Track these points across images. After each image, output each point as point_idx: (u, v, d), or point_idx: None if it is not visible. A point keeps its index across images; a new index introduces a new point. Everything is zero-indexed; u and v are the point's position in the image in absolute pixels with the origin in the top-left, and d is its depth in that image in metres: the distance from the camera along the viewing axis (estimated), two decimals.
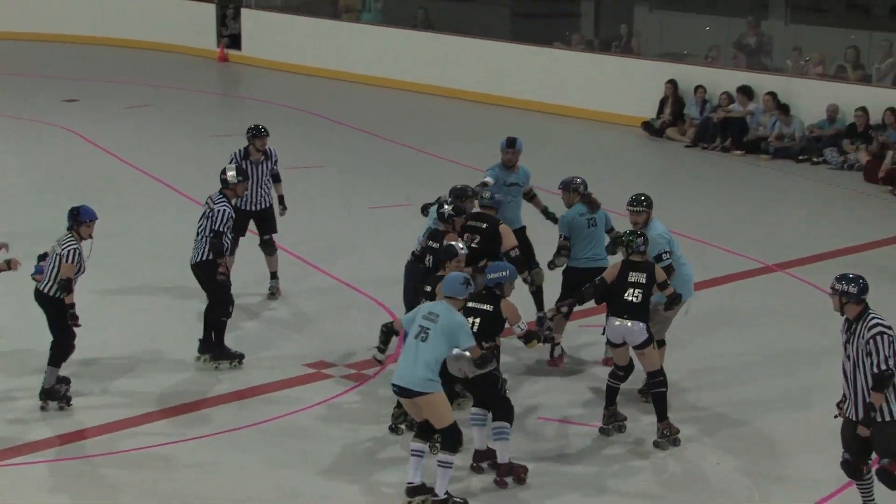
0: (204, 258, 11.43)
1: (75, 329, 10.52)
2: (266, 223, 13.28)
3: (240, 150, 13.37)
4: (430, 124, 23.39)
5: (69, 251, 10.41)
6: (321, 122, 22.92)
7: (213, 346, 11.54)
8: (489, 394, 9.45)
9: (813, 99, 21.31)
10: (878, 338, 8.43)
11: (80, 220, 10.56)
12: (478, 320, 9.65)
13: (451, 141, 21.88)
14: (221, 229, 11.44)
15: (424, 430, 9.17)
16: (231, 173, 11.48)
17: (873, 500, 8.75)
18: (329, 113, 23.58)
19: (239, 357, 11.60)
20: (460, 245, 10.28)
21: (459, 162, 19.78)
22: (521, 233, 12.50)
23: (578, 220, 11.92)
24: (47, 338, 10.71)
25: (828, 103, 20.82)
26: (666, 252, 11.02)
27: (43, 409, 10.58)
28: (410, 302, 11.16)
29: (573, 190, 12.04)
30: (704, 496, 9.68)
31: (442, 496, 8.98)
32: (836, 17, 24.59)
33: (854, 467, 8.66)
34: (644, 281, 10.26)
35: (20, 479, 9.62)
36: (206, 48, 28.87)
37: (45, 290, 10.56)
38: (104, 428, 10.34)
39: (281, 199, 13.54)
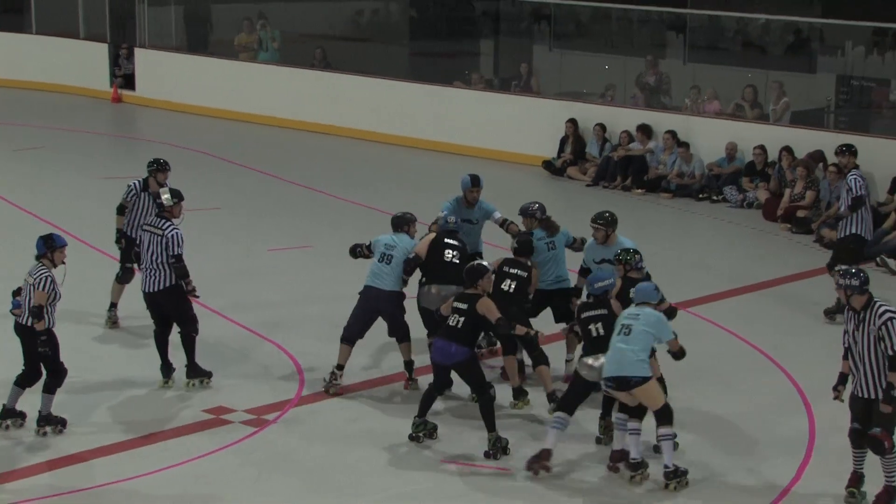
0: (167, 285, 11.84)
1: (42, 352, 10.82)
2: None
3: (138, 182, 13.56)
4: (329, 165, 23.39)
5: (41, 279, 10.77)
6: (218, 164, 22.84)
7: (198, 368, 12.03)
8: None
9: (712, 137, 21.65)
10: (889, 323, 9.55)
11: (54, 245, 10.98)
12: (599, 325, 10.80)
13: (350, 182, 21.91)
14: (180, 252, 11.92)
15: (633, 409, 10.33)
16: (166, 196, 11.87)
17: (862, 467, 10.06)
18: (226, 154, 23.52)
19: (209, 374, 12.09)
20: (485, 263, 11.47)
21: (360, 203, 19.83)
22: (475, 258, 13.03)
23: (538, 244, 12.67)
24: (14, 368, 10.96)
25: (726, 141, 21.10)
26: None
27: (43, 434, 10.88)
28: (431, 325, 12.02)
29: (530, 215, 12.85)
30: None
31: (672, 467, 10.04)
32: (733, 56, 25.09)
33: (860, 435, 9.81)
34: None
35: None
36: (99, 88, 28.64)
37: (25, 323, 10.87)
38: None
39: None
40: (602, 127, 22.48)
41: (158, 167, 13.46)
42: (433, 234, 12.64)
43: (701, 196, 20.85)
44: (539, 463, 10.49)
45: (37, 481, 10.28)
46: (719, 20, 25.42)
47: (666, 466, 10.09)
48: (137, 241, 12.72)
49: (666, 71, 24.20)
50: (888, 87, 22.46)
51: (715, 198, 20.70)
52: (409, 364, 12.57)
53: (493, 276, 11.41)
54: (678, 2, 25.64)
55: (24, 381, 11.10)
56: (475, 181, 13.53)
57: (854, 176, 15.73)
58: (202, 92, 27.59)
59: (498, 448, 11.03)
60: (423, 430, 11.18)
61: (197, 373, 11.98)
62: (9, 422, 11.00)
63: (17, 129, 25.17)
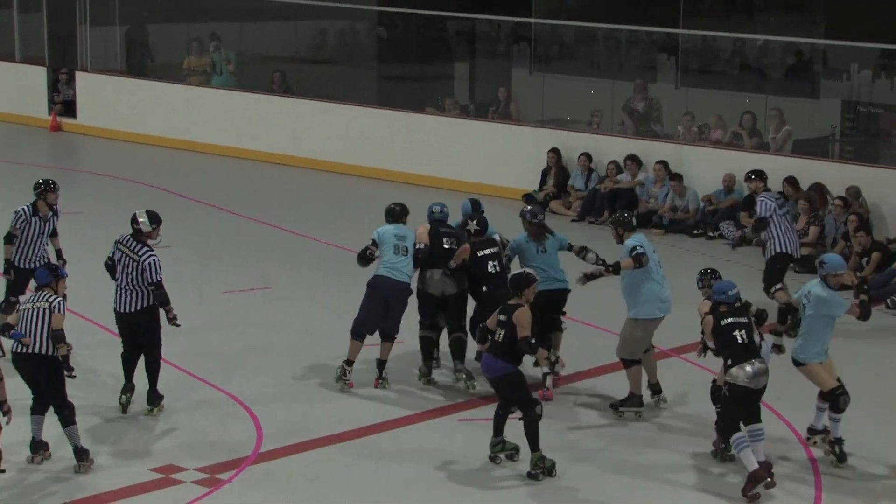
0: (143, 306, 12.48)
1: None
2: None
3: (27, 207, 14.16)
4: (288, 198, 23.40)
5: (58, 303, 11.55)
6: (167, 197, 22.73)
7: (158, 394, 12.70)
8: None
9: (707, 168, 21.82)
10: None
11: (58, 275, 11.83)
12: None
13: (311, 216, 21.90)
14: (159, 279, 12.56)
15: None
16: (143, 220, 12.53)
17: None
18: (175, 186, 23.46)
19: (162, 397, 12.77)
20: (531, 272, 12.43)
21: (320, 239, 19.91)
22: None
23: (526, 245, 14.13)
24: None
25: (723, 172, 21.22)
26: (638, 247, 13.30)
27: (79, 470, 11.43)
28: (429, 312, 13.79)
29: (521, 217, 14.35)
30: None
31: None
32: (730, 80, 25.12)
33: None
34: None
35: None
36: (37, 116, 28.52)
37: (37, 351, 11.43)
38: None
39: (59, 252, 14.43)
40: (588, 157, 22.57)
41: (47, 188, 14.25)
42: (427, 225, 14.15)
43: (696, 232, 20.98)
44: (764, 481, 11.37)
45: None
46: (714, 41, 25.56)
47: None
48: (35, 265, 13.52)
49: (656, 96, 24.38)
50: None
51: (711, 234, 20.78)
52: (382, 363, 13.91)
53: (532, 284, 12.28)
54: (670, 21, 25.49)
55: (41, 409, 11.71)
56: (476, 205, 14.84)
57: (762, 198, 17.59)
58: (150, 119, 27.56)
59: (541, 468, 11.78)
60: (501, 451, 12.04)
61: (158, 398, 12.62)
62: (41, 453, 11.66)
63: None
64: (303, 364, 14.15)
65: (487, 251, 14.15)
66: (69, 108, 28.27)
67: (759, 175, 19.22)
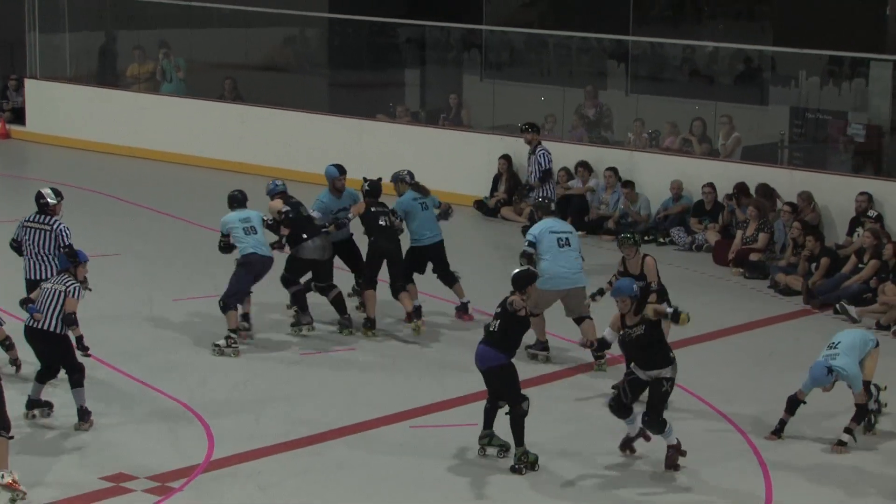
0: (53, 327, 12.66)
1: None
2: None
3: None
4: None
5: (74, 288, 12.64)
6: (116, 205, 22.80)
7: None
8: None
9: (657, 174, 22.01)
10: None
11: (77, 261, 12.98)
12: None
13: None
14: (70, 243, 13.85)
15: None
16: (49, 194, 14.15)
17: None
18: (125, 194, 23.47)
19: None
20: (534, 269, 13.69)
21: None
22: (347, 243, 16.50)
23: (412, 203, 16.13)
24: None
25: (672, 179, 21.40)
26: (527, 243, 15.07)
27: (79, 428, 12.45)
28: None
29: (401, 181, 16.54)
30: None
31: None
32: (679, 87, 25.29)
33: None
34: None
35: None
36: None
37: (47, 328, 12.50)
38: None
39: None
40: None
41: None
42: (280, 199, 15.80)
43: (647, 238, 20.95)
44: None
45: None
46: (663, 48, 25.81)
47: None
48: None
49: (607, 103, 24.52)
50: (845, 120, 22.71)
51: (662, 240, 21.06)
52: (247, 316, 15.70)
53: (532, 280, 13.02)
54: (620, 29, 25.70)
55: (43, 378, 12.80)
56: (342, 169, 16.38)
57: (542, 151, 19.83)
58: (99, 127, 27.55)
59: (524, 462, 12.16)
60: (489, 444, 12.46)
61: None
62: (36, 411, 12.72)
63: None
64: (254, 370, 14.17)
65: (380, 209, 16.26)
66: (18, 116, 28.23)
67: (533, 127, 21.05)
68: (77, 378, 12.72)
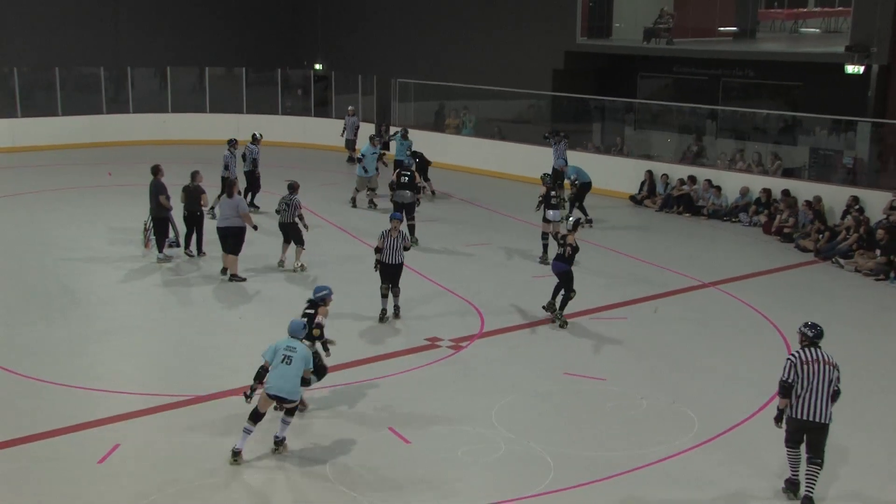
0: None
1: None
2: None
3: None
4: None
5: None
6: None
7: None
8: None
9: (732, 183, 26.00)
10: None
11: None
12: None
13: None
14: None
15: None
16: None
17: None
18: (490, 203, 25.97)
19: None
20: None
21: None
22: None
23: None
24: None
25: (740, 186, 25.52)
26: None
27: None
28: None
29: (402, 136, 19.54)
30: None
31: None
32: (746, 134, 28.16)
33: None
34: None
35: None
36: None
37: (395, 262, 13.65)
38: None
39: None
40: (665, 176, 27.23)
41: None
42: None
43: (724, 218, 25.47)
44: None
45: None
46: (736, 112, 28.54)
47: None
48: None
49: (706, 143, 27.99)
50: (841, 154, 25.56)
51: (733, 220, 25.28)
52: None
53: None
54: (710, 100, 29.41)
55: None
56: (405, 133, 19.10)
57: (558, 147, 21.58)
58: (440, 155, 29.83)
59: (560, 320, 14.28)
60: (550, 310, 14.44)
61: None
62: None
63: None
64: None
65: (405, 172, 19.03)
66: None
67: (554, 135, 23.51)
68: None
